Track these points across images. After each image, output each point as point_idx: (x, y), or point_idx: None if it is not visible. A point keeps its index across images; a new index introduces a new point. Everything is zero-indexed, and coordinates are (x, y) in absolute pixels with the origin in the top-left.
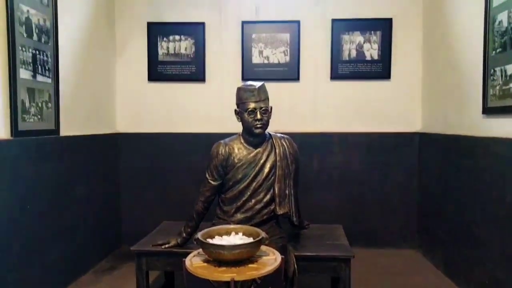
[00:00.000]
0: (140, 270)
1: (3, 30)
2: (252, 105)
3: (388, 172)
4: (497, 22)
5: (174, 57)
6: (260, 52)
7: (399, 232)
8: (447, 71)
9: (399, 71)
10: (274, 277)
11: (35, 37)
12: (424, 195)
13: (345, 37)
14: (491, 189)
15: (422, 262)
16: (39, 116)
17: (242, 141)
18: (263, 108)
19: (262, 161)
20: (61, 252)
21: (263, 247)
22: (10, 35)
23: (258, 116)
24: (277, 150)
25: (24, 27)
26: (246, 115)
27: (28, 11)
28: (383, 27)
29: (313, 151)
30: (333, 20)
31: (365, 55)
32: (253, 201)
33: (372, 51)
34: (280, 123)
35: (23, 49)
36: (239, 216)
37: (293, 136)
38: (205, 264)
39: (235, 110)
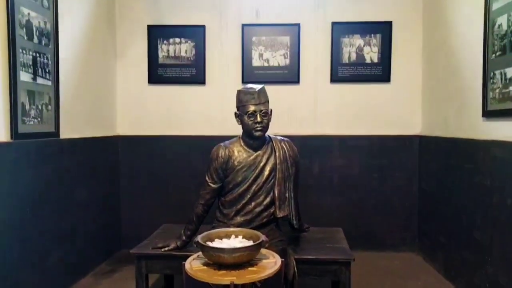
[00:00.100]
0: (140, 273)
1: (4, 32)
2: (252, 108)
3: (388, 175)
4: (496, 26)
5: (174, 59)
6: (260, 55)
7: (400, 235)
8: (447, 74)
9: (399, 74)
10: (274, 280)
11: (35, 39)
12: (424, 198)
13: (345, 40)
14: (491, 193)
15: (422, 265)
16: (39, 119)
17: (242, 144)
18: (263, 111)
19: (262, 164)
20: (61, 254)
21: (263, 250)
22: (11, 38)
23: (258, 119)
24: (277, 153)
25: (24, 29)
26: (246, 118)
27: (28, 13)
28: (383, 30)
29: (313, 154)
30: (333, 23)
31: (365, 58)
32: (253, 204)
33: (372, 54)
34: (280, 126)
35: (24, 51)
36: (239, 219)
37: (293, 139)
38: (205, 267)
39: (235, 113)
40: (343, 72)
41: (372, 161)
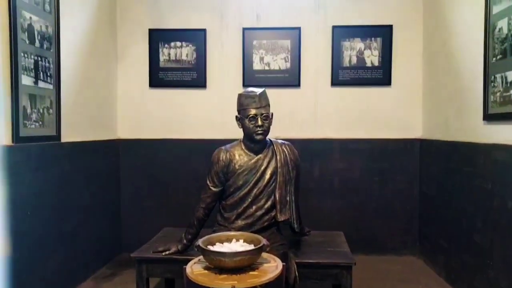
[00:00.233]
0: (141, 277)
1: (6, 36)
2: (253, 112)
3: (389, 178)
4: (497, 29)
5: (175, 63)
6: (261, 59)
7: (400, 238)
8: (447, 77)
9: (399, 78)
10: (275, 284)
11: (37, 43)
12: (425, 202)
13: (346, 43)
14: (492, 196)
15: (423, 269)
16: (40, 122)
17: (243, 147)
18: (264, 114)
19: (263, 167)
20: (61, 258)
21: (264, 254)
22: (13, 42)
23: (259, 123)
24: (278, 157)
25: (26, 33)
26: (247, 121)
27: (30, 17)
28: (383, 34)
29: (314, 157)
30: (334, 27)
31: (365, 61)
32: (254, 207)
33: (372, 57)
34: (281, 130)
35: (25, 55)
36: (239, 222)
37: (293, 142)
38: (206, 271)
39: (236, 117)
40: (344, 76)
41: (373, 165)
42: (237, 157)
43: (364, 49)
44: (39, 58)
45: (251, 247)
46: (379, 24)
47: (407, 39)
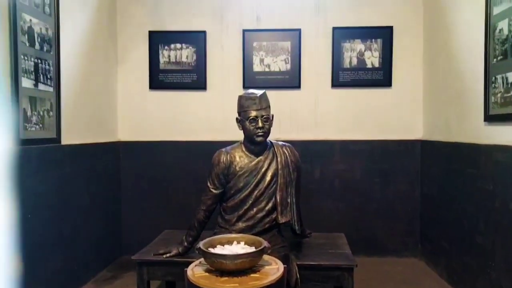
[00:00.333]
0: (141, 279)
1: (6, 39)
2: (253, 113)
3: (390, 180)
4: (497, 30)
5: (175, 65)
6: (261, 60)
7: (402, 240)
8: (448, 78)
9: (400, 79)
10: (277, 286)
11: (37, 46)
12: (427, 203)
13: (346, 45)
14: (493, 197)
15: (425, 270)
16: (40, 125)
17: (244, 149)
18: (265, 116)
19: (263, 169)
20: (62, 261)
21: (265, 257)
22: (13, 44)
23: (260, 124)
24: (278, 158)
25: (26, 36)
26: (247, 123)
27: (30, 20)
28: (383, 35)
29: (315, 159)
30: (334, 28)
31: (366, 63)
32: (254, 209)
33: (373, 59)
34: (282, 131)
35: (25, 58)
36: (240, 225)
37: (294, 144)
38: (207, 274)
39: (237, 118)
40: (344, 77)
41: (373, 166)
42: (237, 159)
43: (365, 51)
44: (39, 61)
45: (252, 249)
46: (379, 26)
47: (407, 40)
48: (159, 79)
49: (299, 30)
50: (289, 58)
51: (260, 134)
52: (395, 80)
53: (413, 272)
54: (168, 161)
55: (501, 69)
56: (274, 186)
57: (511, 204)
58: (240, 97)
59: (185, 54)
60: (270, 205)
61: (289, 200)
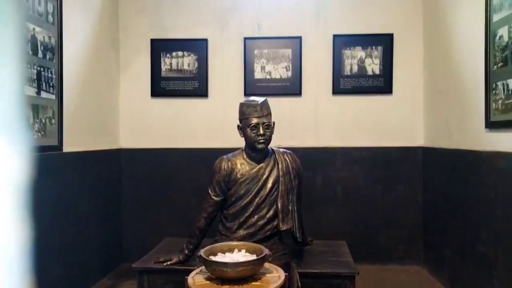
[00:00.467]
0: (142, 287)
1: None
2: (254, 121)
3: (392, 187)
4: (497, 37)
5: (177, 73)
6: (262, 68)
7: (404, 248)
8: (449, 85)
9: (400, 86)
10: None
11: (40, 54)
12: (429, 210)
13: (347, 52)
14: (495, 205)
15: (427, 278)
16: (42, 132)
17: (245, 156)
18: (266, 123)
19: (265, 176)
20: (62, 269)
21: (267, 264)
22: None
23: (261, 132)
24: (279, 166)
25: (29, 44)
26: (248, 130)
27: (33, 29)
28: (384, 42)
29: (316, 166)
30: (335, 36)
31: (366, 70)
32: (256, 217)
33: (373, 66)
34: (283, 138)
35: (28, 66)
36: (241, 232)
37: (295, 151)
38: (208, 282)
39: (238, 126)
40: (345, 84)
41: (375, 173)
42: (238, 166)
43: (365, 58)
44: (42, 69)
45: (254, 257)
46: (379, 33)
47: (407, 48)
48: (161, 86)
49: (300, 38)
50: (290, 65)
51: (261, 141)
52: (396, 87)
53: (416, 280)
54: (170, 168)
55: (502, 76)
56: (275, 193)
57: None
58: (241, 105)
59: (186, 61)
60: (271, 212)
61: (290, 208)
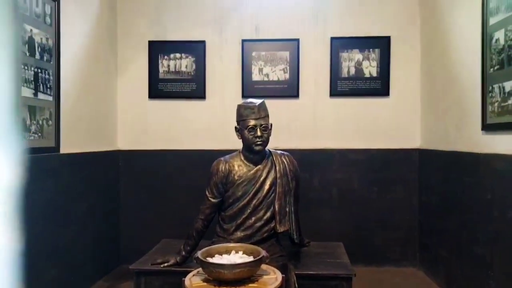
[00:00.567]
0: None
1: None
2: (252, 122)
3: (388, 188)
4: (494, 40)
5: (174, 74)
6: (260, 70)
7: (401, 249)
8: (445, 87)
9: (397, 88)
10: None
11: (37, 55)
12: (425, 212)
13: (344, 54)
14: (491, 207)
15: (424, 280)
16: (39, 134)
17: (242, 158)
18: (263, 125)
19: (262, 178)
20: (59, 271)
21: (264, 266)
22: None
23: (258, 133)
24: (277, 167)
25: (26, 46)
26: (246, 132)
27: (31, 30)
28: (381, 45)
29: (313, 168)
30: (332, 38)
31: (364, 72)
32: (253, 218)
33: (371, 68)
34: (280, 140)
35: (25, 67)
36: (239, 234)
37: (292, 153)
38: (205, 283)
39: (235, 127)
40: (342, 86)
41: (372, 175)
42: (236, 167)
43: (363, 60)
44: (39, 70)
45: (251, 258)
46: (377, 36)
47: (404, 50)
48: (159, 88)
49: (297, 40)
50: (288, 67)
51: (258, 143)
52: (393, 89)
53: (412, 281)
54: (167, 170)
55: (498, 79)
56: (273, 195)
57: (509, 213)
58: (239, 106)
59: (184, 63)
60: (268, 214)
61: (287, 209)
